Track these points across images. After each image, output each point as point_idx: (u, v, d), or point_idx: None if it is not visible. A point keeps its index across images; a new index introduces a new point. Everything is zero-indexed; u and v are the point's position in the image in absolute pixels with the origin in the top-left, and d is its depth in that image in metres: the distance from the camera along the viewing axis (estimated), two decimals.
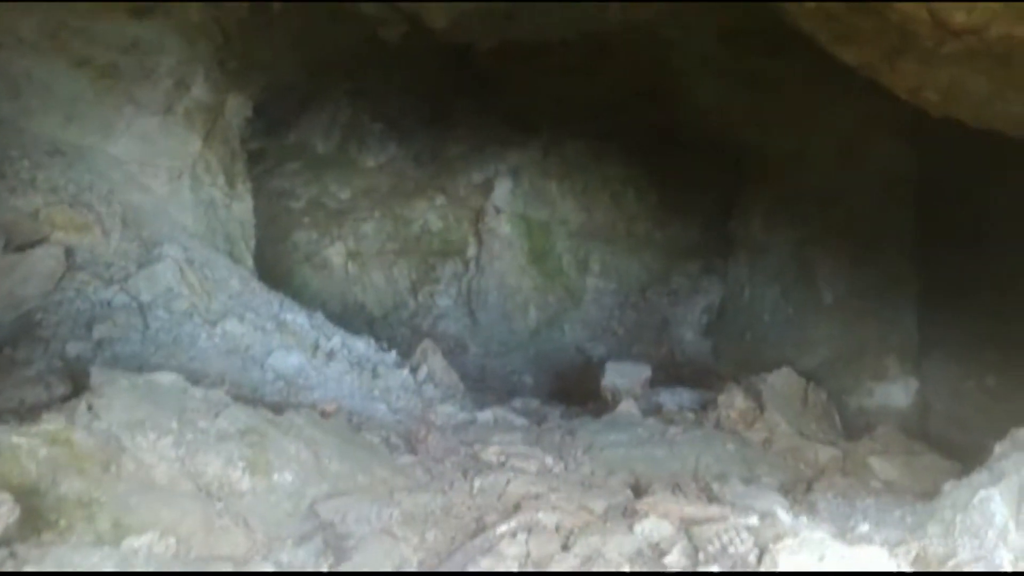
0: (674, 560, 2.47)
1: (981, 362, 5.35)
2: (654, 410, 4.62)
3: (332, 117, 6.93)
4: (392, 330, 6.57)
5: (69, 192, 4.26)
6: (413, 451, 3.28)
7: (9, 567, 1.89)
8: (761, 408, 4.42)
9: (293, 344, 3.98)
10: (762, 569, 2.35)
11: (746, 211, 6.31)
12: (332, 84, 6.64)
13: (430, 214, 7.03)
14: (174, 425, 2.43)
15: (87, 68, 4.66)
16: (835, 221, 5.56)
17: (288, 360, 3.82)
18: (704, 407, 4.61)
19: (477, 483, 3.00)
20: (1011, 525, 2.46)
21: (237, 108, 5.22)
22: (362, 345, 4.44)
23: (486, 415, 4.16)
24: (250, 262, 4.98)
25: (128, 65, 4.76)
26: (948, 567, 2.42)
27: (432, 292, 6.90)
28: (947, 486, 2.84)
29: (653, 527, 2.68)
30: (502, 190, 6.98)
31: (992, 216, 5.22)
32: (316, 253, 6.64)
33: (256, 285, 4.46)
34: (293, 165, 6.77)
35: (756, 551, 2.48)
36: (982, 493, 2.57)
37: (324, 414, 3.21)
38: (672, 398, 4.87)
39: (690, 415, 4.51)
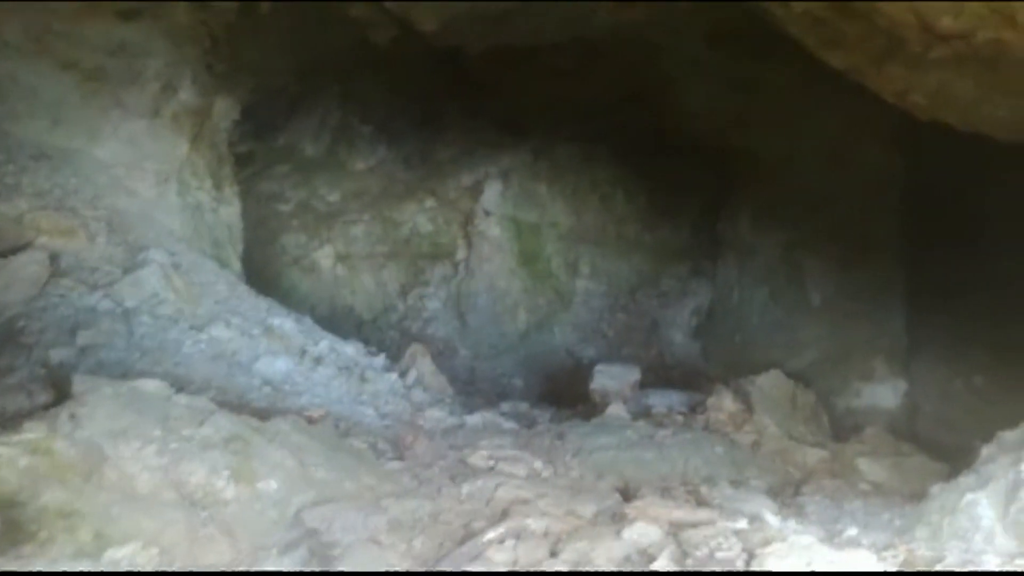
0: (662, 565, 2.46)
1: (969, 363, 5.38)
2: (643, 412, 4.62)
3: (322, 120, 6.91)
4: (381, 333, 6.55)
5: (54, 196, 4.22)
6: (401, 457, 3.26)
7: None
8: (750, 410, 4.42)
9: (280, 349, 3.95)
10: None
11: (735, 214, 6.32)
12: (322, 87, 6.61)
13: (420, 217, 7.01)
14: (157, 433, 2.41)
15: (73, 71, 4.62)
16: (823, 224, 5.58)
17: (275, 365, 3.79)
18: (693, 409, 4.61)
19: (465, 488, 2.99)
20: (998, 528, 2.47)
21: (225, 111, 5.19)
22: (350, 349, 4.41)
23: (475, 419, 4.15)
24: (237, 266, 4.95)
25: (115, 68, 4.73)
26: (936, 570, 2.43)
27: (422, 295, 6.88)
28: (934, 489, 2.85)
29: (641, 532, 2.67)
30: (492, 193, 6.97)
31: (979, 218, 5.24)
32: (305, 256, 6.61)
33: (243, 289, 4.43)
34: (282, 168, 6.74)
35: (744, 556, 2.48)
36: (969, 496, 2.58)
37: (311, 420, 3.19)
38: (661, 400, 4.87)
39: (679, 417, 4.51)
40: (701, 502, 3.15)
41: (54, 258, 3.87)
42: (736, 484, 3.47)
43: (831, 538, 2.70)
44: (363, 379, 4.10)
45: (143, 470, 2.32)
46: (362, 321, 6.63)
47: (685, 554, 2.53)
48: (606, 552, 2.55)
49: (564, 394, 5.58)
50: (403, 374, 4.53)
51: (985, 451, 2.89)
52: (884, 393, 5.29)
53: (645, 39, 5.26)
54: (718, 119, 5.88)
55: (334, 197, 6.84)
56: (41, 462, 2.18)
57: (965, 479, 2.71)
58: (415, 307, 6.86)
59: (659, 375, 6.09)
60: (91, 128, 4.66)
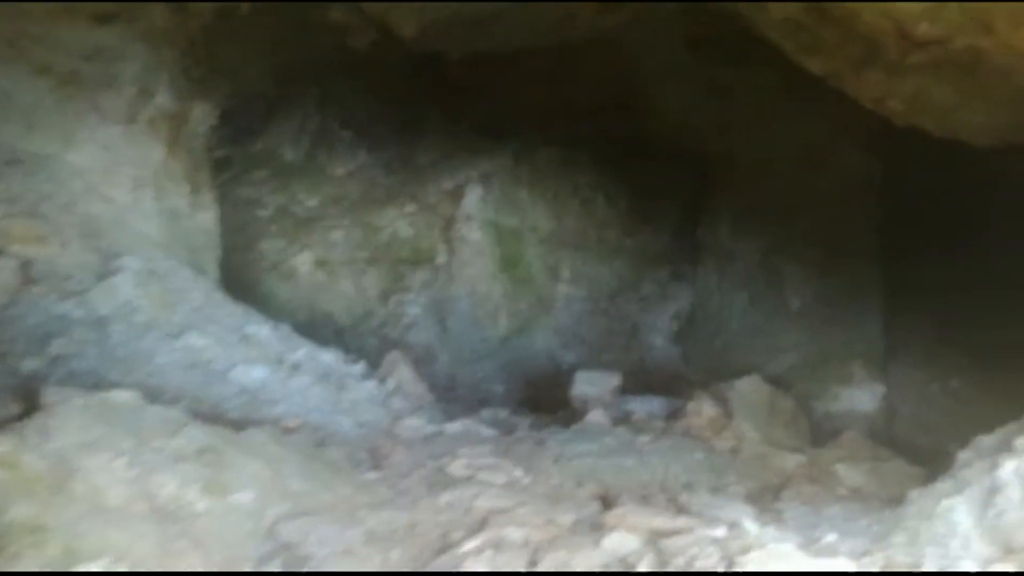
0: None
1: (945, 366, 5.43)
2: (624, 418, 4.62)
3: (300, 124, 6.86)
4: (361, 339, 6.50)
5: (27, 202, 4.16)
6: (378, 466, 3.23)
7: None
8: (729, 415, 4.43)
9: (257, 357, 3.90)
10: None
11: (714, 218, 6.35)
12: (300, 91, 6.56)
13: (400, 222, 6.97)
14: (128, 445, 2.37)
15: (48, 76, 4.56)
16: (801, 229, 5.61)
17: (251, 374, 3.75)
18: (673, 415, 4.62)
19: (443, 498, 2.96)
20: (974, 534, 2.47)
21: (202, 116, 5.13)
22: (328, 357, 4.37)
23: (454, 427, 4.12)
24: (214, 273, 4.89)
25: (90, 72, 4.67)
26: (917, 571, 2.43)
27: (402, 301, 6.84)
28: (912, 494, 2.86)
29: (621, 541, 2.66)
30: (473, 197, 6.95)
31: (954, 223, 5.29)
32: (283, 262, 6.55)
33: (220, 296, 4.37)
34: (260, 173, 6.68)
35: (723, 564, 2.47)
36: (946, 502, 2.59)
37: (287, 430, 3.15)
38: (641, 406, 4.87)
39: (659, 423, 4.51)
40: (681, 509, 3.14)
41: (26, 265, 3.80)
42: (715, 490, 3.47)
43: (809, 545, 2.70)
44: (341, 387, 4.06)
45: (113, 483, 2.28)
46: (341, 327, 6.58)
47: (664, 563, 2.52)
48: (585, 561, 2.54)
49: (545, 399, 5.57)
50: (382, 382, 4.49)
51: (962, 456, 2.90)
52: (862, 397, 5.32)
53: (625, 45, 5.28)
54: (697, 124, 5.91)
55: (313, 202, 6.79)
56: (8, 476, 2.14)
57: (942, 485, 2.72)
58: (395, 313, 6.82)
59: (640, 380, 6.08)
60: (66, 133, 4.59)
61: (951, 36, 2.96)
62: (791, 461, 3.98)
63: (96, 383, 3.21)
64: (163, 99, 4.81)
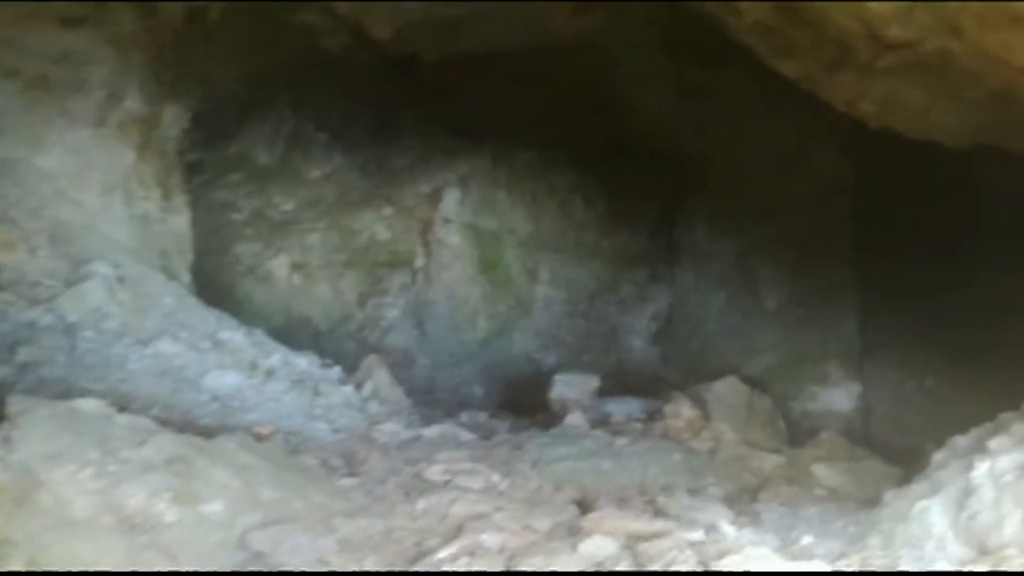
0: None
1: (920, 364, 5.47)
2: (602, 421, 4.61)
3: (275, 127, 6.79)
4: (339, 343, 6.44)
5: None
6: (354, 473, 3.19)
7: None
8: (707, 417, 4.44)
9: (230, 363, 3.86)
10: None
11: (690, 220, 6.36)
12: (274, 94, 6.50)
13: (377, 225, 6.92)
14: (95, 455, 2.32)
15: (15, 79, 4.50)
16: (776, 230, 5.64)
17: (224, 380, 3.70)
18: (651, 416, 4.62)
19: (420, 504, 2.93)
20: (949, 535, 2.49)
21: (173, 119, 5.07)
22: (304, 362, 4.33)
23: (432, 431, 4.09)
24: (187, 278, 4.83)
25: (59, 76, 4.62)
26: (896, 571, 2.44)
27: (380, 304, 6.79)
28: (888, 495, 2.87)
29: (598, 546, 2.65)
30: (451, 200, 6.92)
31: (929, 223, 5.33)
32: (259, 265, 6.49)
33: (192, 302, 4.32)
34: (235, 176, 6.60)
35: (700, 568, 2.47)
36: (921, 504, 2.60)
37: (259, 437, 3.11)
38: (620, 408, 4.87)
39: (637, 425, 4.51)
40: (658, 512, 3.14)
41: None
42: (694, 492, 3.47)
43: (787, 547, 2.70)
44: (317, 392, 4.02)
45: (79, 494, 2.23)
46: (319, 331, 6.52)
47: (641, 567, 2.51)
48: (562, 567, 2.52)
49: (524, 402, 5.55)
50: (359, 386, 4.46)
51: (937, 457, 2.92)
52: (839, 397, 5.35)
53: (601, 47, 5.28)
54: (673, 126, 5.92)
55: (289, 206, 6.73)
56: None
57: (917, 486, 2.73)
58: (373, 316, 6.77)
59: (619, 381, 6.08)
60: (34, 137, 4.53)
61: (921, 39, 2.97)
62: (769, 462, 3.99)
63: (65, 391, 3.16)
64: (133, 103, 4.75)
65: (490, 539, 2.65)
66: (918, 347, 5.52)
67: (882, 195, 5.44)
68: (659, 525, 2.86)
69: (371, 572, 2.39)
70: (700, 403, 4.54)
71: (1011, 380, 3.02)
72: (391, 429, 4.00)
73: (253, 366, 3.98)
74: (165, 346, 3.73)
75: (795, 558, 2.56)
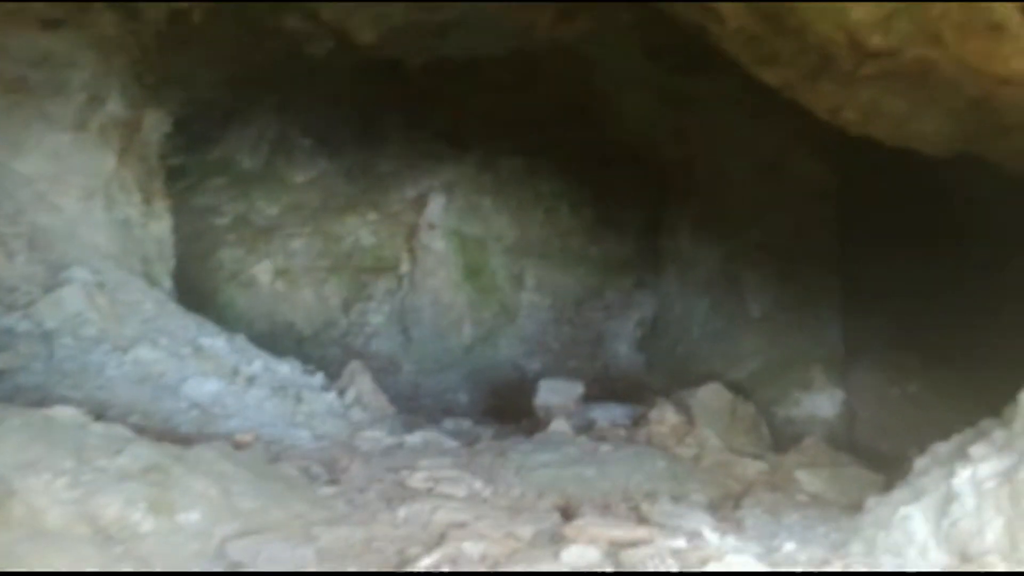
0: None
1: (903, 370, 5.50)
2: (586, 427, 4.60)
3: (259, 132, 6.76)
4: (323, 349, 6.41)
5: None
6: (335, 480, 3.16)
7: None
8: (691, 423, 4.44)
9: (210, 370, 3.82)
10: None
11: (674, 226, 6.38)
12: (258, 99, 6.46)
13: (362, 230, 6.90)
14: (70, 464, 2.28)
15: None
16: (760, 236, 5.66)
17: (204, 387, 3.66)
18: (636, 423, 4.61)
19: (401, 513, 2.91)
20: (931, 542, 2.49)
21: (155, 124, 5.03)
22: (286, 368, 4.29)
23: (415, 438, 4.06)
24: (168, 283, 4.78)
25: (38, 79, 4.57)
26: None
27: (364, 310, 6.77)
28: (870, 502, 2.88)
29: (580, 553, 2.63)
30: (436, 206, 6.91)
31: (911, 230, 5.37)
32: (243, 271, 6.45)
33: (173, 308, 4.28)
34: (218, 181, 6.56)
35: None
36: (903, 510, 2.60)
37: (239, 445, 3.07)
38: (605, 414, 4.86)
39: (622, 431, 4.51)
40: (642, 519, 3.13)
41: None
42: (677, 499, 3.46)
43: (769, 554, 2.70)
44: (298, 399, 3.98)
45: (53, 504, 2.19)
46: (302, 337, 6.49)
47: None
48: None
49: (509, 408, 5.54)
50: (341, 393, 4.42)
51: (919, 463, 2.93)
52: (822, 402, 5.37)
53: (583, 55, 5.28)
54: (656, 133, 5.94)
55: (273, 211, 6.69)
56: None
57: (899, 493, 2.74)
58: (358, 322, 6.75)
59: (604, 387, 6.08)
60: (12, 141, 4.48)
61: (902, 47, 2.99)
62: (752, 468, 3.99)
63: (42, 398, 3.12)
64: (114, 106, 4.71)
65: (472, 547, 2.63)
66: (901, 352, 5.55)
67: (865, 201, 5.47)
68: (642, 532, 2.85)
69: (365, 573, 2.37)
70: (684, 409, 4.54)
71: (993, 385, 3.03)
72: (374, 436, 3.96)
73: (234, 373, 3.94)
74: (144, 353, 3.69)
75: (777, 565, 2.56)
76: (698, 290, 6.11)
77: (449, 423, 4.91)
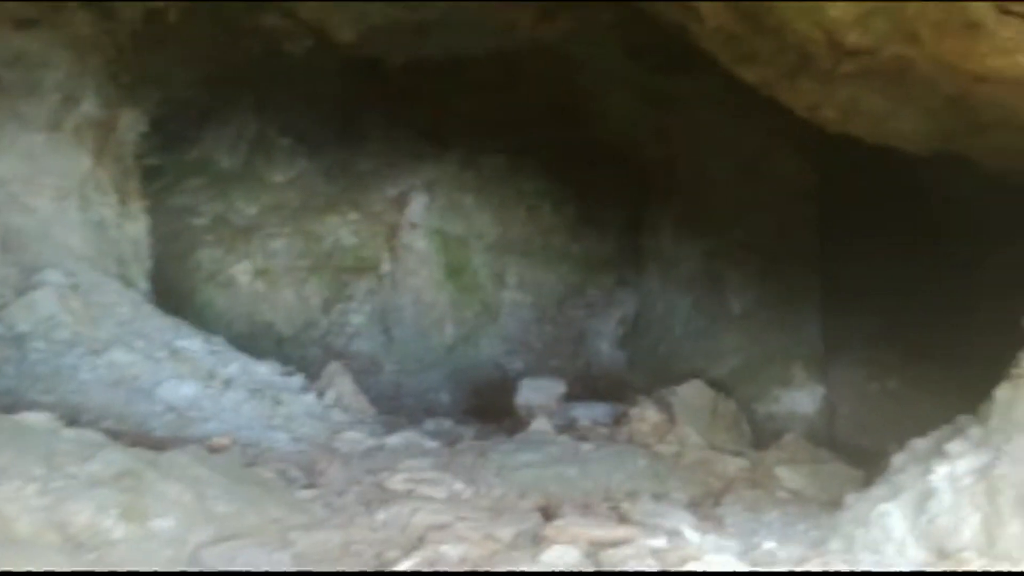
0: None
1: (883, 366, 5.53)
2: (568, 426, 4.60)
3: (237, 131, 6.68)
4: (303, 350, 6.36)
5: None
6: (313, 484, 3.13)
7: None
8: (672, 420, 4.46)
9: (186, 372, 3.77)
10: None
11: (656, 225, 6.38)
12: (236, 98, 6.40)
13: (342, 230, 6.85)
14: (40, 471, 2.24)
15: None
16: (741, 234, 5.68)
17: (180, 390, 3.61)
18: (617, 421, 4.62)
19: (380, 516, 2.88)
20: (909, 539, 2.50)
21: (131, 123, 4.98)
22: (264, 370, 4.25)
23: (395, 440, 4.04)
24: (144, 285, 4.73)
25: (11, 79, 4.52)
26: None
27: (345, 310, 6.72)
28: (849, 499, 2.89)
29: (560, 554, 2.63)
30: (417, 205, 6.87)
31: (889, 226, 5.40)
32: (221, 271, 6.38)
33: (149, 310, 4.23)
34: (196, 181, 6.49)
35: None
36: (881, 507, 2.61)
37: (215, 449, 3.04)
38: (586, 413, 4.86)
39: (603, 430, 4.52)
40: (622, 518, 3.13)
41: None
42: (658, 498, 3.46)
43: (749, 552, 2.70)
44: (277, 401, 3.94)
45: (22, 512, 2.15)
46: (283, 338, 6.43)
47: None
48: None
49: (491, 408, 5.52)
50: (321, 394, 4.38)
51: (896, 460, 2.94)
52: (803, 399, 5.39)
53: (564, 54, 5.27)
54: (638, 132, 5.94)
55: (252, 210, 6.63)
56: None
57: (877, 490, 2.75)
58: (338, 322, 6.70)
59: (586, 386, 6.09)
60: None
61: (879, 46, 3.00)
62: (733, 465, 4.01)
63: (14, 403, 3.07)
64: (89, 106, 4.66)
65: (451, 550, 2.62)
66: (881, 349, 5.58)
67: (845, 199, 5.49)
68: (622, 532, 2.85)
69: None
70: (666, 407, 4.55)
71: (971, 380, 3.05)
72: (353, 438, 3.94)
73: (211, 375, 3.90)
74: (119, 356, 3.64)
75: (757, 564, 2.56)
76: (680, 288, 6.12)
77: (430, 423, 4.88)
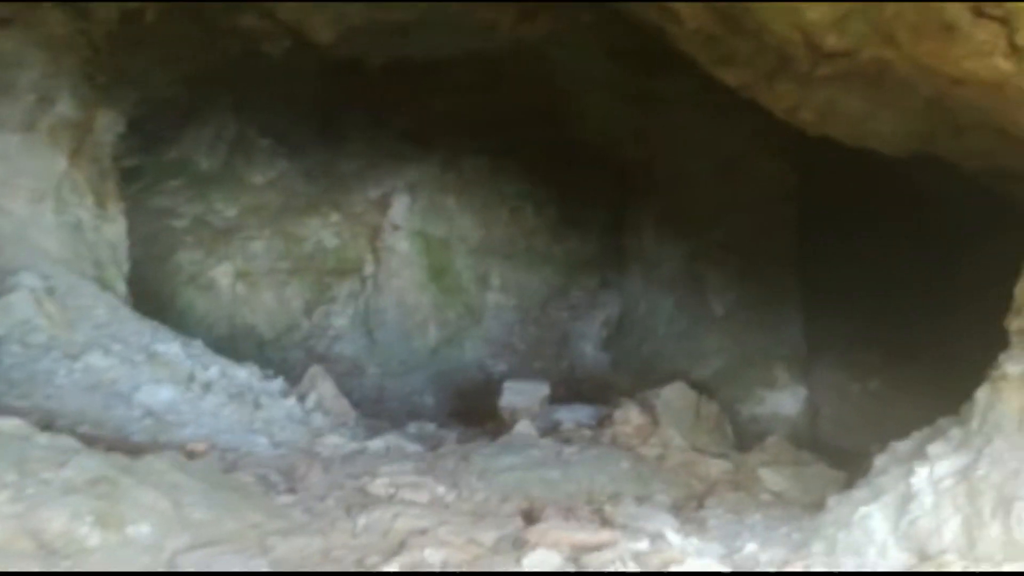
0: None
1: (864, 366, 5.57)
2: (551, 428, 4.58)
3: (217, 132, 6.62)
4: (285, 353, 6.32)
5: None
6: (293, 489, 3.10)
7: None
8: (655, 422, 4.45)
9: (165, 376, 3.72)
10: None
11: (637, 225, 6.39)
12: (214, 98, 6.34)
13: (324, 232, 6.81)
14: (13, 478, 2.20)
15: None
16: (722, 235, 5.70)
17: (158, 394, 3.56)
18: (601, 423, 4.60)
19: (361, 521, 2.85)
20: (890, 541, 2.51)
21: (108, 124, 4.91)
22: (244, 374, 4.20)
23: (378, 443, 4.00)
24: (122, 288, 4.66)
25: None
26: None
27: (327, 312, 6.68)
28: (831, 501, 2.89)
29: (542, 559, 2.61)
30: (400, 206, 6.84)
31: (869, 227, 5.43)
32: (201, 274, 6.32)
33: (126, 313, 4.17)
34: (174, 182, 6.42)
35: None
36: (862, 510, 2.61)
37: (192, 454, 3.00)
38: (570, 415, 4.85)
39: (587, 432, 4.49)
40: (605, 521, 3.11)
41: None
42: (641, 500, 3.45)
43: (731, 555, 2.70)
44: (257, 405, 3.90)
45: None
46: (264, 341, 6.38)
47: None
48: None
49: (475, 410, 5.50)
50: (302, 398, 4.34)
51: (878, 462, 2.95)
52: (785, 400, 5.42)
53: (546, 55, 5.27)
54: (617, 132, 5.94)
55: (232, 212, 6.57)
56: None
57: (859, 492, 2.75)
58: (321, 325, 6.66)
59: (570, 388, 6.07)
60: None
61: (857, 48, 3.01)
62: (716, 467, 4.00)
63: None
64: (64, 107, 4.59)
65: (433, 554, 2.59)
66: (862, 350, 5.62)
67: (825, 200, 5.52)
68: (605, 536, 2.83)
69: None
70: (649, 409, 4.54)
71: (952, 381, 3.06)
72: (335, 442, 3.90)
73: (190, 379, 3.85)
74: (96, 360, 3.58)
75: (739, 566, 2.56)
76: (662, 289, 6.13)
77: (413, 427, 4.86)
